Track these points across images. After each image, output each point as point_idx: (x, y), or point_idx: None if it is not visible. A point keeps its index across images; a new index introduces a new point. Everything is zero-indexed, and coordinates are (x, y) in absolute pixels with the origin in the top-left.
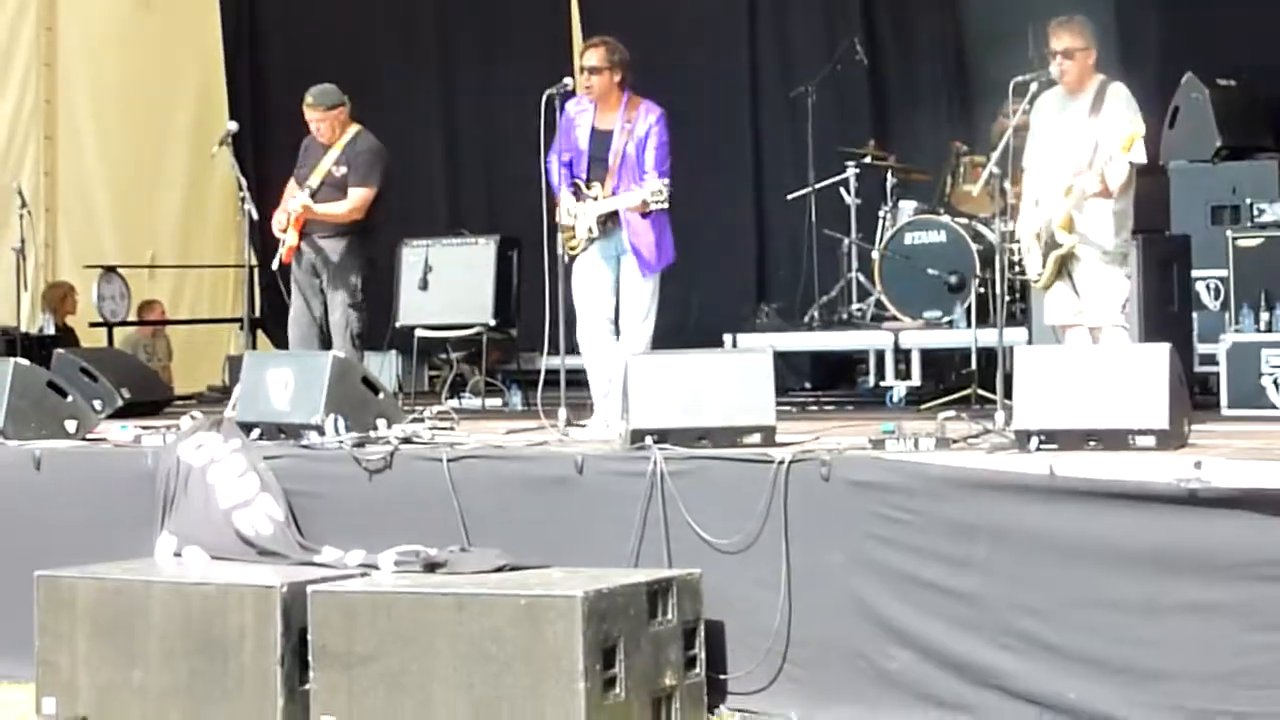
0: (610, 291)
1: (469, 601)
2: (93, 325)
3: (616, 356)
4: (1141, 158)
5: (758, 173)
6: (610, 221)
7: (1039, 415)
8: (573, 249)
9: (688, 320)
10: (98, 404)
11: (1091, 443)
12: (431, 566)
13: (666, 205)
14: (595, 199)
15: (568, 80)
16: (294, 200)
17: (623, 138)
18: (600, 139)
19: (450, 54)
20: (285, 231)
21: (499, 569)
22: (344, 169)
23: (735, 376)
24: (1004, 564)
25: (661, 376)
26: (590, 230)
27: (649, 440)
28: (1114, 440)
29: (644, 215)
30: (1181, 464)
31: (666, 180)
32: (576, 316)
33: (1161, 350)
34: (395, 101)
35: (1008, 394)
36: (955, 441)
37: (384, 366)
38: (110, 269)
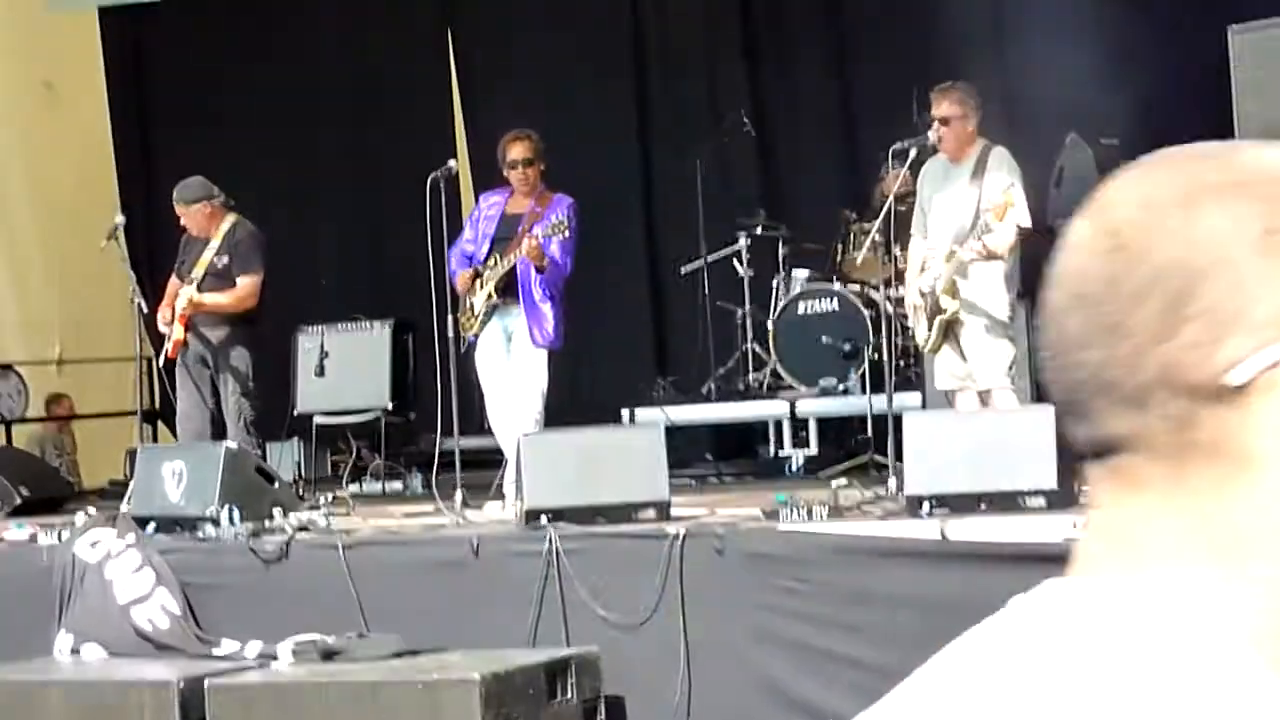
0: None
1: (368, 689)
2: None
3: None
4: (1025, 220)
5: (650, 246)
6: (508, 297)
7: (929, 480)
8: (469, 328)
9: (584, 396)
10: None
11: (983, 505)
12: (329, 654)
13: (567, 233)
14: (494, 268)
15: (452, 163)
16: (180, 295)
17: (531, 219)
18: (508, 222)
19: (334, 136)
20: (170, 326)
21: (397, 654)
22: (226, 259)
23: (628, 453)
24: (900, 629)
25: (554, 455)
26: (490, 297)
27: (544, 519)
28: (1005, 503)
29: (541, 271)
30: (1071, 524)
31: (566, 217)
32: (485, 397)
33: (1047, 411)
34: (280, 186)
35: (900, 459)
36: (848, 509)
37: (283, 454)
38: (5, 366)
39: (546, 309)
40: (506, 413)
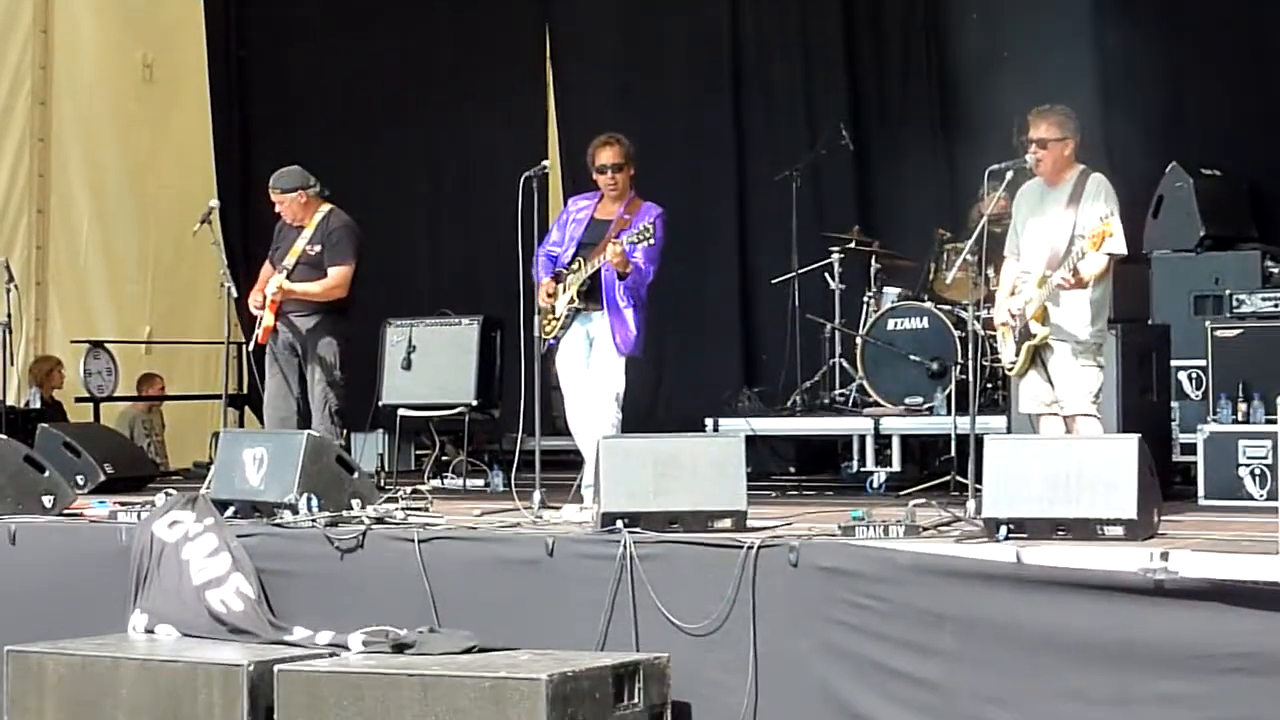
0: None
1: (434, 683)
2: (79, 400)
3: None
4: (1121, 249)
5: (743, 257)
6: (591, 302)
7: (1007, 504)
8: (549, 332)
9: (670, 404)
10: (80, 479)
11: (1060, 532)
12: (400, 647)
13: (652, 240)
14: (577, 271)
15: (545, 163)
16: (271, 281)
17: (619, 226)
18: (596, 227)
19: (430, 131)
20: (261, 311)
21: (467, 650)
22: (318, 247)
23: (707, 461)
24: (971, 652)
25: (633, 460)
26: (572, 300)
27: (620, 523)
28: (1082, 530)
29: (623, 278)
30: (1148, 555)
31: (652, 224)
32: (565, 400)
33: (1131, 441)
34: (375, 179)
35: (980, 482)
36: (925, 529)
37: (365, 446)
38: (97, 344)
39: (629, 315)
40: (586, 416)
